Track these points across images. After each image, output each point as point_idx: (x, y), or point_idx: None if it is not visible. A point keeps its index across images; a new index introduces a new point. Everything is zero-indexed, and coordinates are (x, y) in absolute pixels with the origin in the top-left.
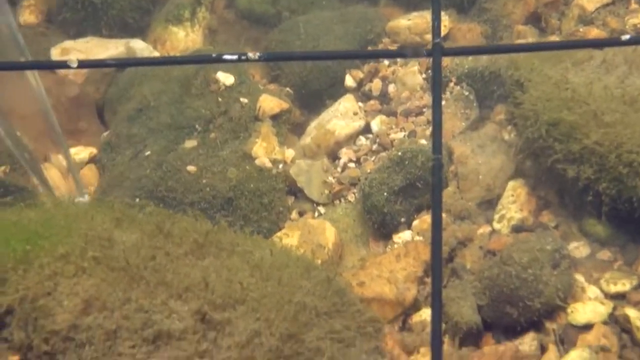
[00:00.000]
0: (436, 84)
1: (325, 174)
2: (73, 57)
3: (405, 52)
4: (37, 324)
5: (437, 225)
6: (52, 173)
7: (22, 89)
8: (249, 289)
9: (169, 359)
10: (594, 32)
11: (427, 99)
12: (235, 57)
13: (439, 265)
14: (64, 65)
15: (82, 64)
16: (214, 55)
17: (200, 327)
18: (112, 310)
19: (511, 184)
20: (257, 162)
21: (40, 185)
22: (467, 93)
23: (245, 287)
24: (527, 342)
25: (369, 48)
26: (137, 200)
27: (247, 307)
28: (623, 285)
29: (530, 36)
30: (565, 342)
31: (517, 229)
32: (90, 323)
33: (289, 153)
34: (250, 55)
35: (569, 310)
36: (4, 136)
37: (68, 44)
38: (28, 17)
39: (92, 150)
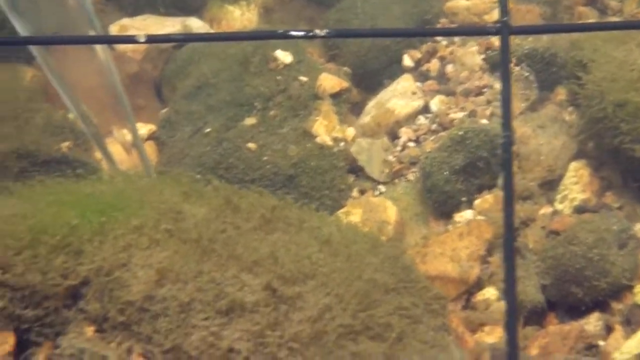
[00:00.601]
0: (505, 62)
1: (385, 153)
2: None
3: (473, 29)
4: (113, 295)
5: (509, 202)
6: (115, 148)
7: (89, 62)
8: (318, 264)
9: (242, 331)
10: None
11: (487, 79)
12: (302, 33)
13: (511, 243)
14: (131, 40)
15: (150, 39)
16: (280, 31)
17: (272, 301)
18: (185, 282)
19: (573, 164)
20: (318, 140)
21: (105, 160)
22: (526, 74)
23: (314, 262)
24: (593, 322)
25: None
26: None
27: (317, 282)
28: None
29: (591, 18)
30: (632, 323)
31: (580, 209)
32: (165, 294)
33: (350, 131)
34: (318, 31)
35: (635, 290)
36: (71, 108)
37: (126, 21)
38: None
39: (151, 127)
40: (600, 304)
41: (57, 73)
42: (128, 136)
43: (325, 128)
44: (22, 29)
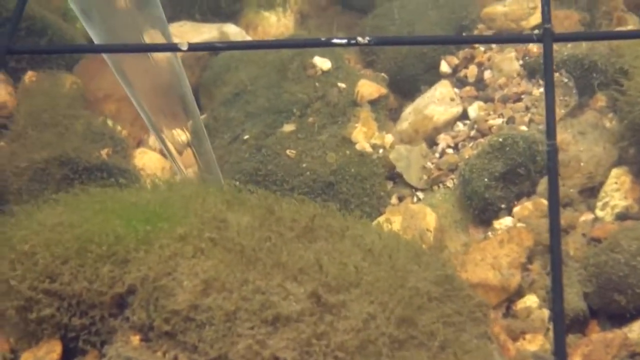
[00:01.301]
0: (548, 69)
1: (424, 160)
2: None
3: (515, 37)
4: (158, 304)
5: (554, 211)
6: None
7: (147, 61)
8: (362, 272)
9: (288, 340)
10: None
11: (525, 85)
12: (344, 41)
13: (558, 252)
14: (174, 47)
15: (192, 47)
16: (322, 39)
17: (317, 310)
18: (230, 291)
19: (614, 171)
20: (357, 146)
21: (173, 164)
22: (566, 80)
23: (358, 271)
24: (636, 330)
25: (464, 34)
26: (237, 183)
27: (361, 291)
28: None
29: (631, 24)
30: None
31: (622, 216)
32: (210, 304)
33: (388, 138)
34: (360, 39)
35: None
36: (137, 107)
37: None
38: (124, 1)
39: (190, 134)
40: None
41: (129, 78)
42: (183, 136)
43: (364, 135)
44: (95, 37)
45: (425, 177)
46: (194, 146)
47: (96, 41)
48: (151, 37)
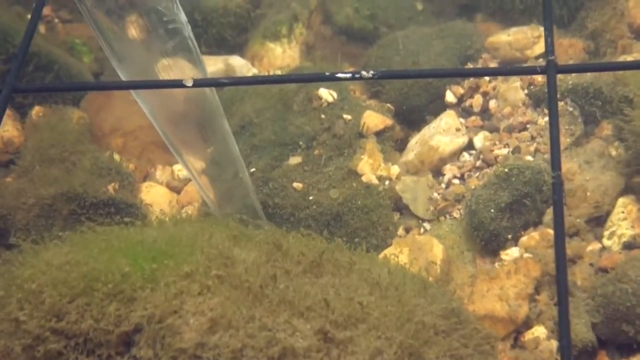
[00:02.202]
0: (552, 101)
1: (430, 190)
2: (174, 74)
3: (519, 69)
4: (165, 342)
5: (560, 243)
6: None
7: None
8: (369, 307)
9: None
10: None
11: (530, 114)
12: (348, 75)
13: (564, 285)
14: (179, 84)
15: (197, 83)
16: (327, 73)
17: (324, 346)
18: (237, 328)
19: (621, 200)
20: (363, 178)
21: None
22: (571, 109)
23: (365, 306)
24: None
25: (469, 64)
26: (244, 217)
27: (368, 326)
28: None
29: (636, 51)
30: None
31: (629, 246)
32: (217, 341)
33: (394, 169)
34: (364, 73)
35: None
36: (164, 137)
37: (169, 60)
38: (133, 32)
39: (197, 168)
40: None
41: (148, 104)
42: (197, 165)
43: (370, 166)
44: (122, 74)
45: (431, 208)
46: (210, 175)
47: (113, 62)
48: (174, 65)
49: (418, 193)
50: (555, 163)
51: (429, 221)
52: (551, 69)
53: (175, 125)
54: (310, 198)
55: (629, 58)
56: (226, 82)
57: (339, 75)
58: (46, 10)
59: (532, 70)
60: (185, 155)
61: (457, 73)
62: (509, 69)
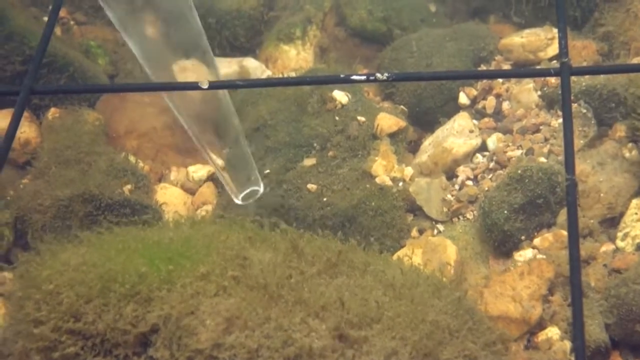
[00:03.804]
0: (566, 104)
1: (443, 192)
2: (190, 75)
3: (533, 72)
4: (181, 342)
5: (574, 245)
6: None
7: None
8: (383, 307)
9: None
10: None
11: (544, 116)
12: (363, 77)
13: (578, 285)
14: (195, 87)
15: (213, 85)
16: (342, 75)
17: (339, 346)
18: (253, 329)
19: (635, 201)
20: (377, 180)
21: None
22: (584, 110)
23: (380, 306)
24: None
25: (482, 66)
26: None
27: (383, 326)
28: None
29: None
30: None
31: None
32: (233, 342)
33: (408, 171)
34: (379, 75)
35: None
36: (193, 136)
37: (183, 62)
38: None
39: (210, 169)
40: None
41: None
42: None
43: (384, 168)
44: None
45: (445, 209)
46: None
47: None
48: (188, 67)
49: (432, 194)
50: (570, 166)
51: (442, 222)
52: (565, 71)
53: (194, 124)
54: (325, 199)
55: None
56: (241, 85)
57: (354, 77)
58: (62, 13)
59: (546, 73)
60: (209, 152)
61: (471, 75)
62: (523, 71)
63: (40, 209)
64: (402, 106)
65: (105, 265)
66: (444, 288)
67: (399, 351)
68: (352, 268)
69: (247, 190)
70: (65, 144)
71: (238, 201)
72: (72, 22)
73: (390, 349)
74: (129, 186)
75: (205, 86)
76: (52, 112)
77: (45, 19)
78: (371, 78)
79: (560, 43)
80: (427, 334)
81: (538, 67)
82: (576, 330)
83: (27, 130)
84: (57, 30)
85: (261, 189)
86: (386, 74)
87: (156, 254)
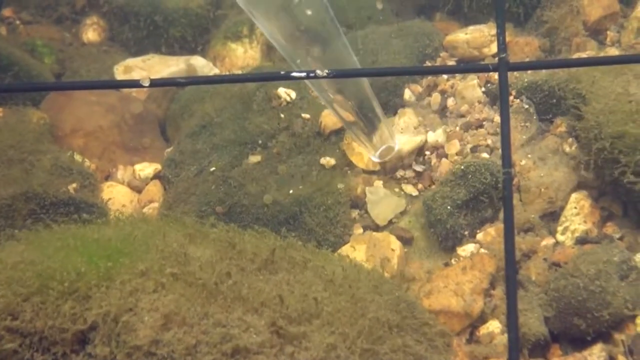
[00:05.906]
0: (503, 98)
1: (395, 208)
2: (136, 75)
3: (471, 67)
4: (120, 339)
5: (509, 239)
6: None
7: None
8: (323, 303)
9: None
10: None
11: (487, 112)
12: (303, 74)
13: (513, 278)
14: (136, 84)
15: (154, 83)
16: (282, 72)
17: (277, 341)
18: (191, 325)
19: (574, 196)
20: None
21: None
22: (526, 106)
23: (319, 302)
24: (596, 354)
25: (428, 63)
26: (203, 215)
27: (322, 321)
28: None
29: (589, 49)
30: (635, 353)
31: (582, 240)
32: (171, 338)
33: None
34: (319, 72)
35: (637, 320)
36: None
37: (130, 61)
38: (91, 35)
39: (157, 167)
40: (603, 335)
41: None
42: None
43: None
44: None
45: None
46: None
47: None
48: None
49: (382, 204)
50: (506, 160)
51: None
52: (502, 66)
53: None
54: (268, 196)
55: (583, 55)
56: (183, 82)
57: (294, 74)
58: (7, 12)
59: (485, 68)
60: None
61: (410, 71)
62: (463, 67)
63: None
64: (350, 102)
65: (43, 263)
66: (385, 283)
67: (338, 346)
68: (292, 264)
69: (383, 147)
70: (9, 144)
71: (375, 158)
72: (17, 22)
73: (329, 344)
74: (74, 185)
75: (147, 84)
76: None
77: None
78: (311, 75)
79: (498, 39)
80: (366, 329)
81: (480, 63)
82: (510, 322)
83: None
84: (3, 30)
85: (397, 146)
86: (326, 71)
87: (95, 252)
